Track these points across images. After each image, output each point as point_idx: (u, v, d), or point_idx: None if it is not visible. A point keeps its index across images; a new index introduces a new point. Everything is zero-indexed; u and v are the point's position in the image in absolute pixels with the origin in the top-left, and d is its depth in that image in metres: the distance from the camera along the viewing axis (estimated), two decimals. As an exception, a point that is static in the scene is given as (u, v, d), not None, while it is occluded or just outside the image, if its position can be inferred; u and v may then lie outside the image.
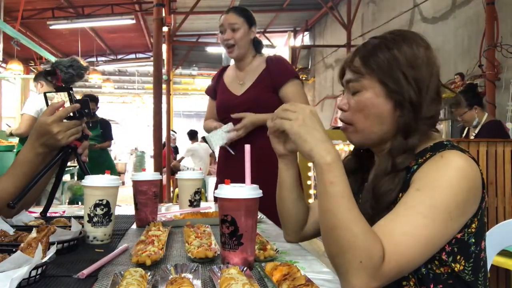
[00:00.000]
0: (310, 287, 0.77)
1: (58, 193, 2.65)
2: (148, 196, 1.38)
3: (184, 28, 11.02)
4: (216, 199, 1.10)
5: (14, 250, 0.86)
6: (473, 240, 0.91)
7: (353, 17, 9.36)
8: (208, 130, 2.22)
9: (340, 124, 1.06)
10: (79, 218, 1.22)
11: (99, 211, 1.16)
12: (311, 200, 5.13)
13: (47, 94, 1.32)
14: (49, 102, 1.31)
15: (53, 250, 0.86)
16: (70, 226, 1.12)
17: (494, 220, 2.81)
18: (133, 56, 14.34)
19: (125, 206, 1.81)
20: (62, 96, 1.30)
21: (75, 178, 5.37)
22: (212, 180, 6.65)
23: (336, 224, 0.82)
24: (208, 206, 1.71)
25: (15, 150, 4.60)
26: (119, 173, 10.65)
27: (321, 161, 0.85)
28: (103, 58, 14.06)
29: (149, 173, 1.43)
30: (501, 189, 2.89)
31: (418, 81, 0.94)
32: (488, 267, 1.16)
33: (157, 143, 5.43)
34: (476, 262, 0.92)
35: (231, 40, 2.16)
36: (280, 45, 11.07)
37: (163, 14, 5.74)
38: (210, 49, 12.90)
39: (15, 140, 4.84)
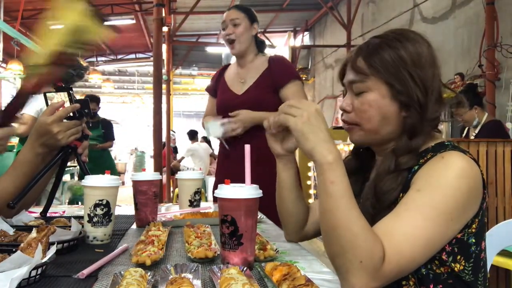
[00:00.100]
0: (310, 287, 0.77)
1: (58, 193, 2.64)
2: (148, 196, 1.38)
3: (184, 28, 11.02)
4: (215, 199, 1.10)
5: (14, 250, 0.86)
6: (474, 240, 0.91)
7: (353, 17, 9.36)
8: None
9: (341, 124, 1.06)
10: (79, 218, 1.22)
11: (99, 211, 1.16)
12: (311, 200, 5.13)
13: (47, 94, 1.32)
14: (49, 102, 1.30)
15: (53, 250, 0.86)
16: (70, 226, 1.11)
17: (494, 220, 2.81)
18: (133, 56, 14.35)
19: (125, 206, 1.81)
20: (62, 96, 1.30)
21: (75, 178, 5.37)
22: (212, 180, 6.65)
23: (336, 224, 0.82)
24: (208, 206, 1.71)
25: (15, 150, 4.59)
26: (119, 173, 10.64)
27: (322, 160, 0.85)
28: (103, 58, 14.07)
29: (149, 173, 1.43)
30: (501, 189, 2.90)
31: (424, 81, 0.94)
32: (488, 267, 1.16)
33: (157, 143, 5.44)
34: (476, 262, 0.92)
35: (232, 35, 2.17)
36: (280, 45, 11.07)
37: (163, 14, 5.74)
38: (210, 49, 12.90)
39: (15, 140, 4.83)
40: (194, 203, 1.66)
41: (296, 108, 0.89)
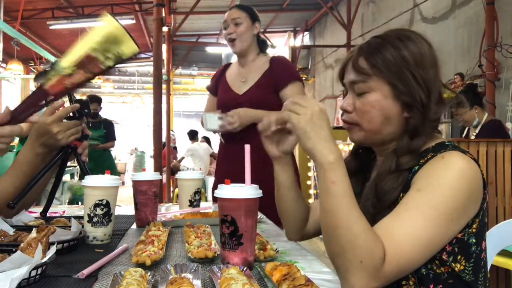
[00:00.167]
0: (310, 287, 0.77)
1: (58, 193, 2.65)
2: (148, 196, 1.38)
3: (184, 28, 11.02)
4: (215, 199, 1.10)
5: (14, 250, 0.86)
6: (474, 240, 0.91)
7: (353, 17, 9.36)
8: None
9: (341, 124, 1.06)
10: (79, 218, 1.22)
11: (99, 211, 1.16)
12: (311, 200, 5.13)
13: (47, 94, 1.32)
14: (49, 102, 1.30)
15: (53, 250, 0.86)
16: (70, 226, 1.12)
17: (494, 220, 2.81)
18: (133, 56, 14.33)
19: (125, 206, 1.81)
20: (62, 96, 1.30)
21: (76, 178, 5.37)
22: (212, 180, 6.64)
23: (337, 224, 0.82)
24: (208, 206, 1.71)
25: (15, 150, 4.59)
26: (119, 173, 10.64)
27: (323, 160, 0.84)
28: (103, 58, 14.03)
29: (149, 173, 1.43)
30: (501, 189, 2.90)
31: (427, 81, 0.93)
32: (488, 267, 1.16)
33: (157, 143, 5.43)
34: (476, 262, 0.92)
35: (233, 34, 2.18)
36: (280, 45, 11.06)
37: (163, 14, 5.74)
38: (210, 49, 12.90)
39: (15, 140, 4.84)
40: (194, 203, 1.66)
41: (300, 106, 0.88)
